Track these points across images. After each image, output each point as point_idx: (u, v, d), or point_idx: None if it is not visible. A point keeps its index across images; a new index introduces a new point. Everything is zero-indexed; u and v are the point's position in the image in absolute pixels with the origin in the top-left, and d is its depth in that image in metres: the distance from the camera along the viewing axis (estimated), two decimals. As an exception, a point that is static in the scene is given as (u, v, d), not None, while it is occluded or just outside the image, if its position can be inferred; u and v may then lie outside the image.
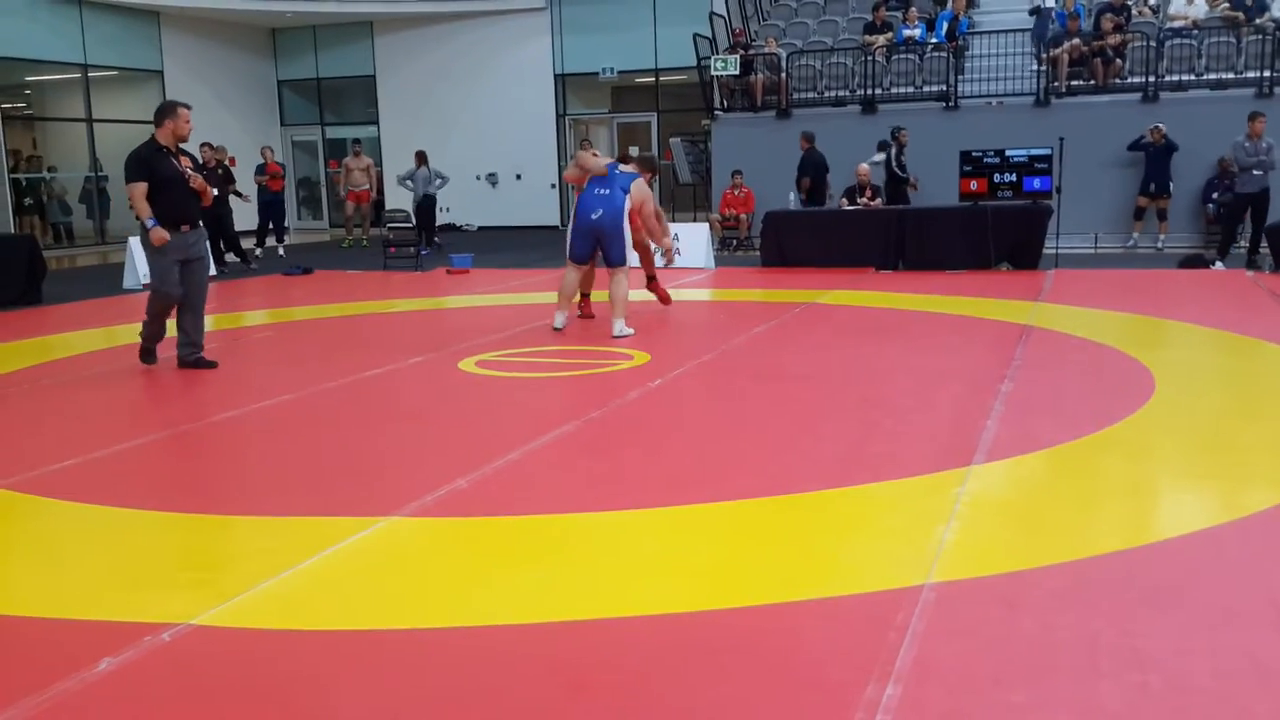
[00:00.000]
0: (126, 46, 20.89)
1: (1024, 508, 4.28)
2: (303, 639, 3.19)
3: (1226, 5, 15.53)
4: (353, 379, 7.06)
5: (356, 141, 20.06)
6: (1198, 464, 4.84)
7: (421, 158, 18.24)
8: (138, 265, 13.23)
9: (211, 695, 2.86)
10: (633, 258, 8.95)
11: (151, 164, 7.18)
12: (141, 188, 7.13)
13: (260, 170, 17.01)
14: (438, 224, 18.92)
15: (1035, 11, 16.74)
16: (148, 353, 7.68)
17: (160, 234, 7.16)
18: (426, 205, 18.06)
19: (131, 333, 9.58)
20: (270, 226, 17.15)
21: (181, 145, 7.42)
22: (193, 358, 7.55)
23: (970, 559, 3.64)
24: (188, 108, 7.43)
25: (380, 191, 20.93)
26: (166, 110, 7.30)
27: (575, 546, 3.94)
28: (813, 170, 14.88)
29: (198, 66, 21.99)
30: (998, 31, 16.67)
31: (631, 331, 8.45)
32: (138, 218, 7.27)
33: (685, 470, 4.89)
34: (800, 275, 12.17)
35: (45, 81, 21.16)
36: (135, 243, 13.52)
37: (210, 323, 10.07)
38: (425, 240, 17.57)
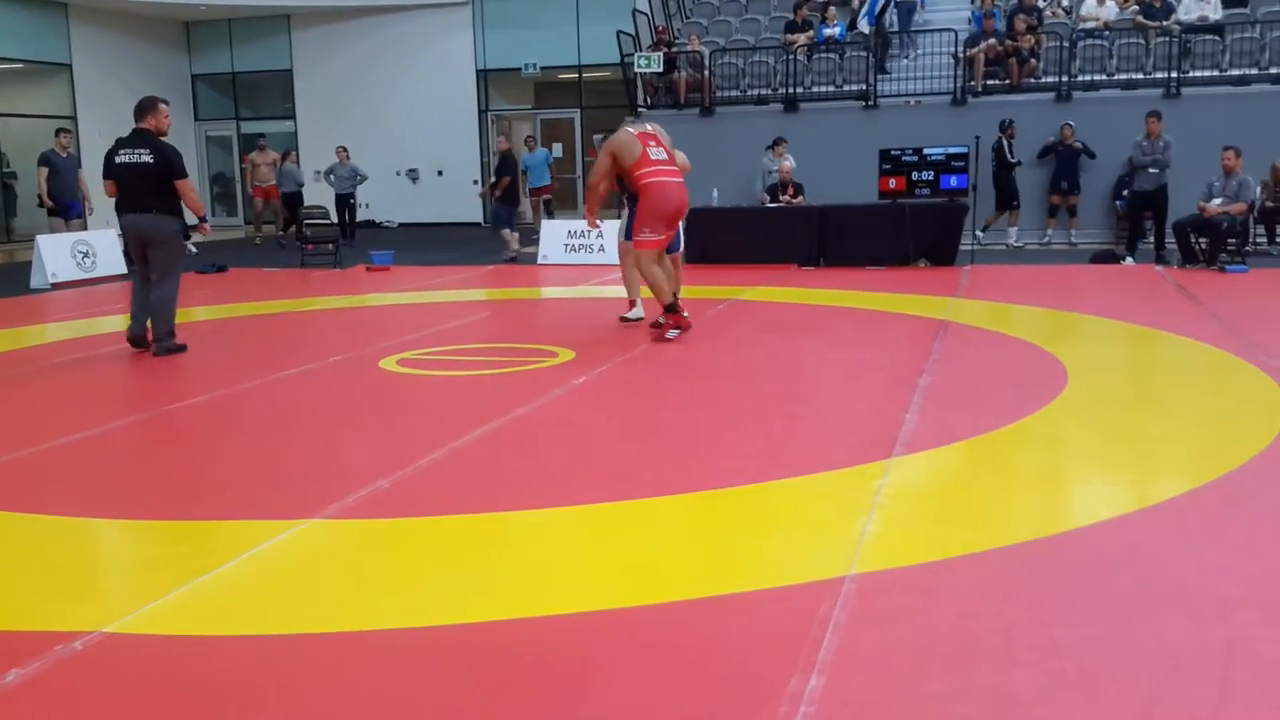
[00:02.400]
0: (33, 39, 20.30)
1: (942, 499, 4.35)
2: (220, 645, 3.12)
3: (1136, 8, 15.95)
4: (270, 379, 6.94)
5: (261, 136, 19.80)
6: (1109, 454, 4.96)
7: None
8: (45, 264, 12.88)
9: (127, 704, 2.78)
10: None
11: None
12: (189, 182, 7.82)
13: None
14: (358, 220, 18.81)
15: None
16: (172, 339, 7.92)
17: (207, 229, 8.40)
18: (346, 202, 18.05)
19: (38, 334, 9.34)
20: None
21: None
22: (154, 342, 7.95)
23: (891, 550, 3.69)
24: (166, 103, 7.99)
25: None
26: (148, 106, 7.80)
27: (499, 545, 3.92)
28: (510, 171, 15.47)
29: (108, 60, 21.44)
30: (918, 31, 16.95)
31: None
32: (190, 208, 7.88)
33: (608, 467, 4.89)
34: (723, 272, 12.23)
35: (-54, 74, 20.51)
36: (43, 240, 13.15)
37: (121, 322, 9.87)
38: (348, 234, 17.51)
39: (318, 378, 7.06)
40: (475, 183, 22.24)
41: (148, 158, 7.62)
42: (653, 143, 7.93)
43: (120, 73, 21.61)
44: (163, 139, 7.79)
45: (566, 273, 13.09)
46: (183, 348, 7.89)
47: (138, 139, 7.72)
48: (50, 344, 8.77)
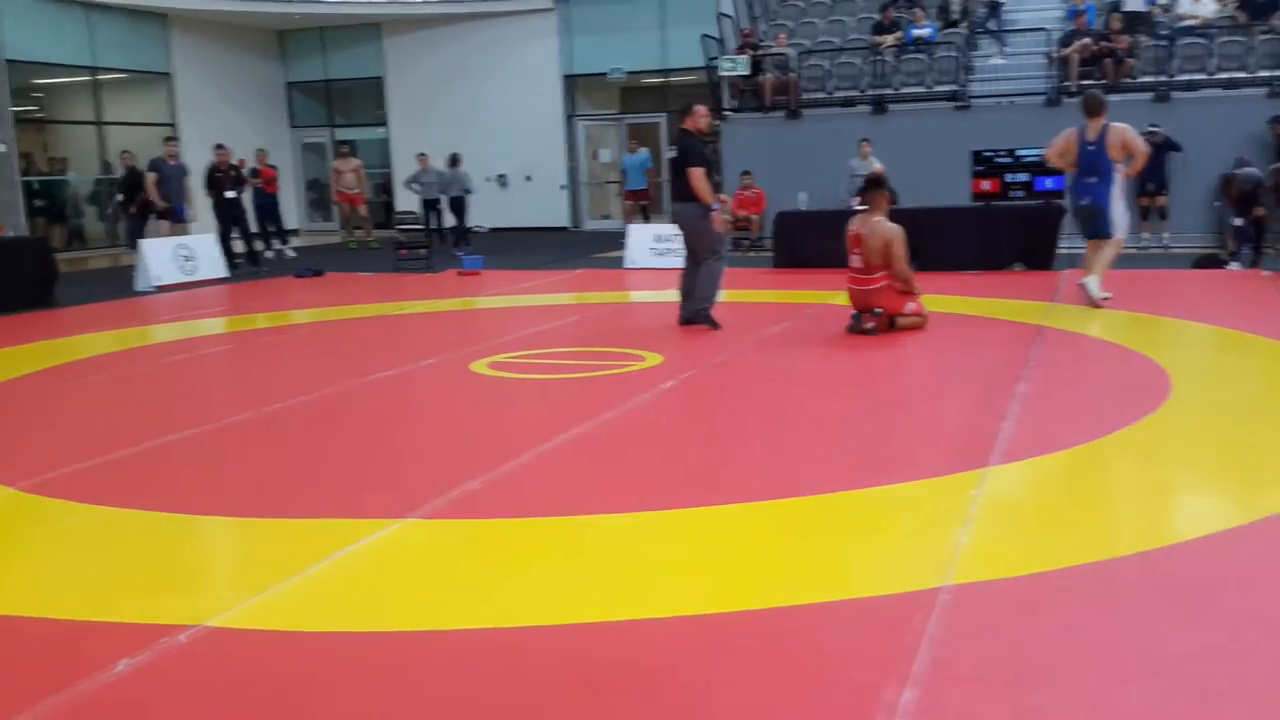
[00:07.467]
0: (134, 49, 20.94)
1: (1041, 509, 4.25)
2: (317, 640, 3.18)
3: (1235, 4, 15.46)
4: (365, 381, 7.06)
5: (343, 144, 20.19)
6: (1215, 465, 4.81)
7: (424, 160, 18.68)
8: (149, 268, 13.27)
9: (228, 696, 2.85)
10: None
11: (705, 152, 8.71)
12: (702, 171, 8.42)
13: (254, 173, 17.04)
14: (452, 225, 19.03)
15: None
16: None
17: (720, 218, 8.65)
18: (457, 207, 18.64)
19: (144, 335, 9.63)
20: (271, 229, 17.29)
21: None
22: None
23: (987, 561, 3.62)
24: (703, 104, 8.70)
25: (389, 192, 21.28)
26: (684, 110, 8.65)
27: (589, 548, 3.93)
28: (138, 186, 15.32)
29: (206, 69, 22.03)
30: (1012, 30, 16.66)
31: (1106, 295, 9.18)
32: (698, 195, 8.37)
33: (699, 472, 4.87)
34: (813, 276, 12.13)
35: (55, 84, 21.21)
36: (146, 245, 13.55)
37: (223, 325, 10.14)
38: (458, 240, 17.85)
39: (411, 380, 7.17)
40: (562, 187, 22.39)
41: (673, 154, 8.73)
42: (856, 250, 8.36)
43: (218, 81, 22.20)
44: (690, 136, 8.51)
45: (653, 276, 13.10)
46: (715, 325, 8.59)
47: (677, 137, 8.71)
48: (156, 345, 9.04)
